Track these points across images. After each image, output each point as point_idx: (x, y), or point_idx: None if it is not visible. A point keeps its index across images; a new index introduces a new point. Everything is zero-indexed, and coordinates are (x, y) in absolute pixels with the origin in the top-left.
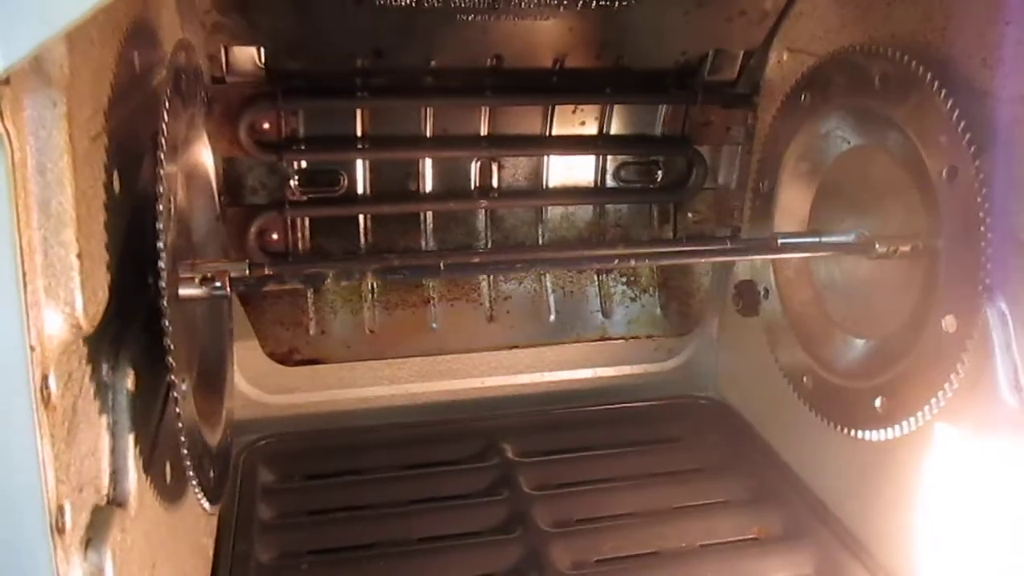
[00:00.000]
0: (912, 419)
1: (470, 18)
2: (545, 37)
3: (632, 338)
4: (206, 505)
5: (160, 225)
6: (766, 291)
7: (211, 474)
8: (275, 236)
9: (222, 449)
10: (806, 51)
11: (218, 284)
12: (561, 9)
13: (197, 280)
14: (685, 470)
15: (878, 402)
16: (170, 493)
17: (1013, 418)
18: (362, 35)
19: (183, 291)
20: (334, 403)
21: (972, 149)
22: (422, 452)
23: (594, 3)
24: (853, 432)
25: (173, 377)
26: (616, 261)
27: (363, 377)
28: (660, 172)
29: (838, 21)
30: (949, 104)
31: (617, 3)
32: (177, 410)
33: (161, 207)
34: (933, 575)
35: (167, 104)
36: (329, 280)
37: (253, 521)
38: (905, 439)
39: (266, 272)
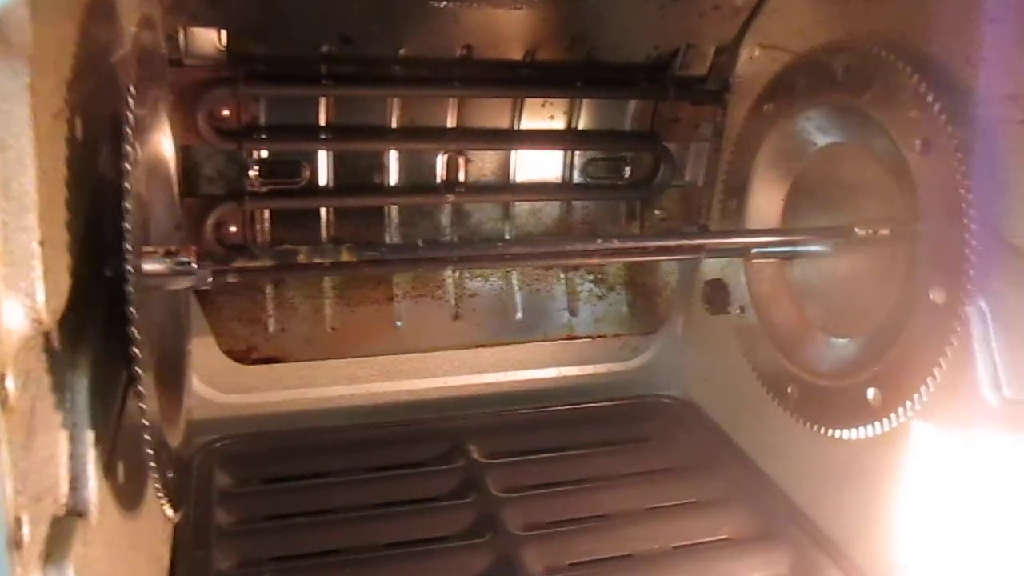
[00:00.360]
0: (909, 402)
1: (442, 5)
2: (517, 27)
3: (599, 337)
4: (169, 512)
5: (127, 204)
6: (742, 308)
7: (174, 478)
8: (233, 228)
9: (181, 452)
10: (779, 47)
11: (184, 259)
12: None
13: (161, 253)
14: (655, 470)
15: (871, 394)
16: (130, 499)
17: (993, 416)
18: (329, 20)
19: (147, 265)
20: (293, 403)
21: (945, 119)
22: (386, 454)
23: None
24: (846, 432)
25: (137, 369)
26: (594, 256)
27: (324, 376)
28: (628, 168)
29: (813, 18)
30: (916, 78)
31: None
32: (141, 406)
33: (128, 185)
34: (908, 575)
35: (134, 83)
36: (301, 257)
37: (210, 527)
38: (881, 438)
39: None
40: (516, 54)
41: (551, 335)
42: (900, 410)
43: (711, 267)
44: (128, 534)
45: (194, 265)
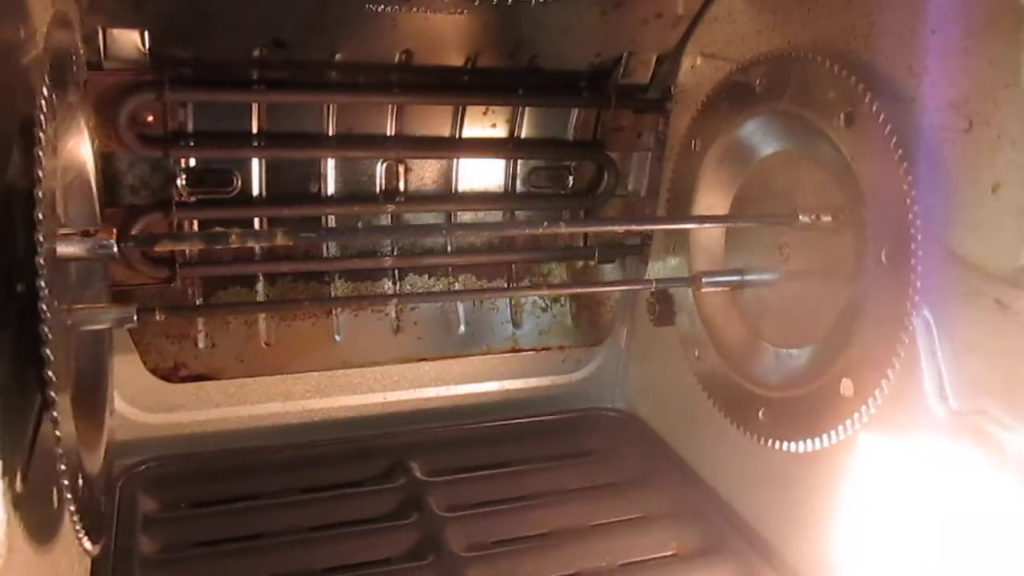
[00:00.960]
0: (890, 371)
1: (380, 9)
2: (458, 33)
3: (543, 349)
4: (88, 545)
5: (39, 214)
6: (698, 354)
7: (93, 506)
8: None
9: (102, 478)
10: (720, 56)
11: (105, 242)
12: (476, 3)
13: (78, 234)
14: (599, 485)
15: (844, 385)
16: (43, 533)
17: (938, 427)
18: (260, 23)
19: (62, 248)
20: (224, 422)
21: (867, 95)
22: (322, 474)
23: None
24: (829, 435)
25: (52, 393)
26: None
27: (255, 393)
28: (571, 178)
29: (754, 27)
30: (827, 63)
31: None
32: (57, 433)
33: (40, 193)
34: None
35: (47, 85)
36: (233, 239)
37: (133, 556)
38: (827, 450)
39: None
40: (457, 60)
41: (494, 348)
42: (876, 393)
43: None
44: (43, 570)
45: (114, 247)
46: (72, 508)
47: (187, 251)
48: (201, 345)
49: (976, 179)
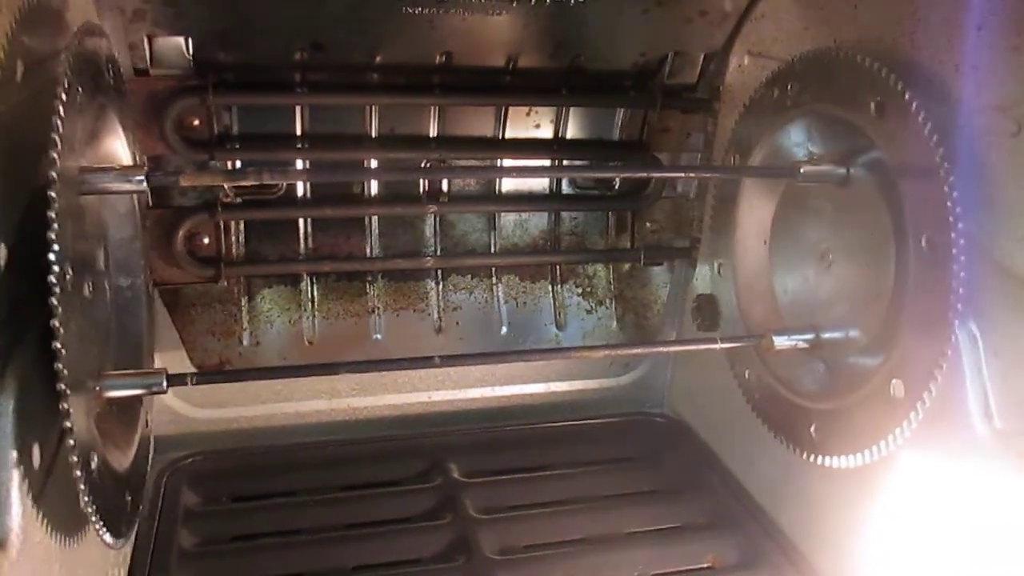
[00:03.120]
0: (938, 372)
1: (417, 11)
2: (497, 34)
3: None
4: (108, 538)
5: (51, 213)
6: (747, 374)
7: (117, 502)
8: (206, 240)
9: (134, 472)
10: (767, 55)
11: (137, 178)
12: (514, 4)
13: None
14: (639, 492)
15: (894, 387)
16: (67, 526)
17: (983, 448)
18: (299, 27)
19: (92, 181)
20: (268, 418)
21: (905, 93)
22: (361, 472)
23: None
24: (879, 446)
25: (63, 386)
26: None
27: (300, 390)
28: (618, 179)
29: (800, 24)
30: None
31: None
32: (67, 424)
33: (54, 193)
34: None
35: (64, 88)
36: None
37: (172, 549)
38: (871, 467)
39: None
40: (497, 61)
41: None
42: (925, 396)
43: (703, 282)
44: (65, 562)
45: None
46: (86, 499)
47: (233, 251)
48: (246, 343)
49: None
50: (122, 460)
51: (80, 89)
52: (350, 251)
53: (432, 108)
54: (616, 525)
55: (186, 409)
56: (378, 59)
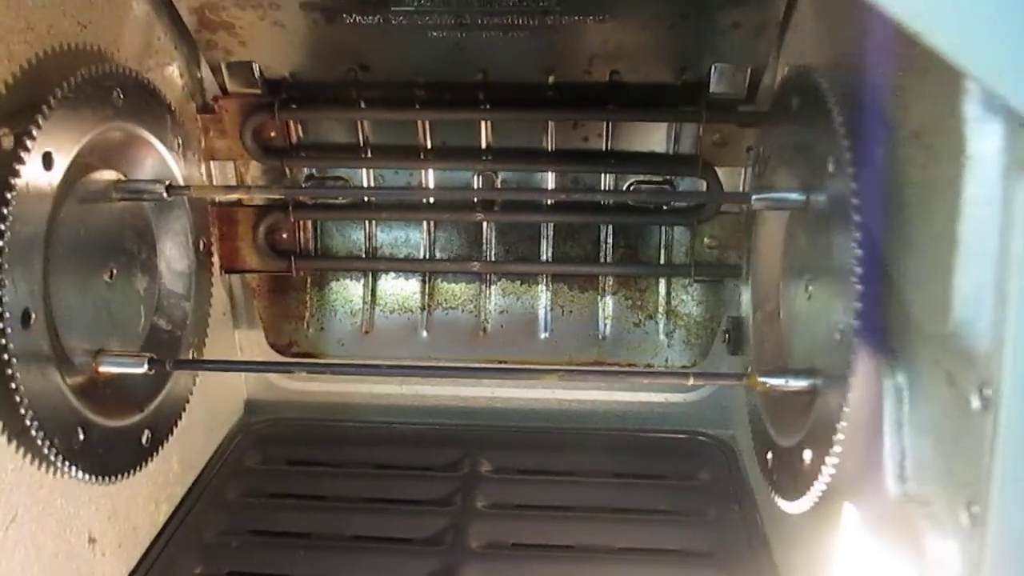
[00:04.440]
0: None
1: (442, 34)
2: (524, 51)
3: (628, 366)
4: (77, 474)
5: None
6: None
7: (81, 441)
8: (284, 236)
9: (136, 428)
10: (805, 65)
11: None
12: (531, 22)
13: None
14: (651, 510)
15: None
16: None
17: (893, 509)
18: (343, 50)
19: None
20: (342, 395)
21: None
22: (400, 453)
23: (554, 19)
24: (810, 490)
25: None
26: None
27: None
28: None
29: (828, 34)
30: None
31: (586, 18)
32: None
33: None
34: None
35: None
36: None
37: (218, 498)
38: (813, 514)
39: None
40: (535, 77)
41: (576, 359)
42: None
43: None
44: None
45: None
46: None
47: (307, 246)
48: (311, 328)
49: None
50: (119, 420)
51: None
52: (408, 252)
53: (481, 122)
54: (610, 539)
55: (278, 379)
56: (421, 78)
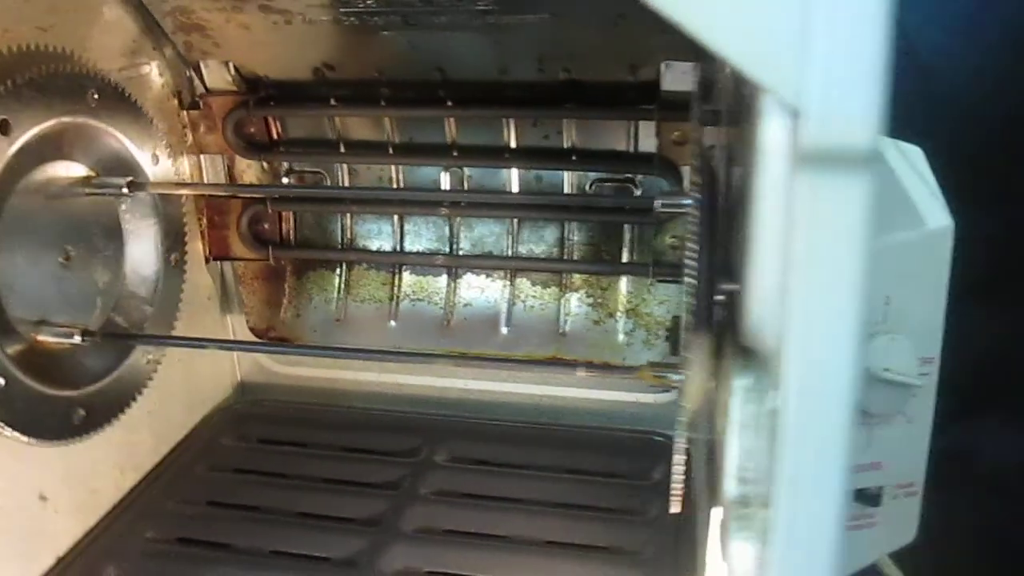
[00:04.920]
0: None
1: (393, 34)
2: (476, 50)
3: (586, 363)
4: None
5: None
6: None
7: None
8: (266, 226)
9: (56, 399)
10: None
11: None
12: (475, 22)
13: None
14: (595, 507)
15: None
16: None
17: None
18: (307, 50)
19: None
20: (326, 380)
21: None
22: (367, 438)
23: (494, 18)
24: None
25: None
26: None
27: (354, 362)
28: (638, 192)
29: None
30: None
31: (525, 17)
32: None
33: None
34: None
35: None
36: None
37: (185, 471)
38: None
39: None
40: (490, 75)
41: (535, 355)
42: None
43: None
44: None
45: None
46: None
47: (287, 236)
48: (288, 314)
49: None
50: (48, 389)
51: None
52: (379, 245)
53: (445, 119)
54: (544, 532)
55: (268, 363)
56: (384, 77)
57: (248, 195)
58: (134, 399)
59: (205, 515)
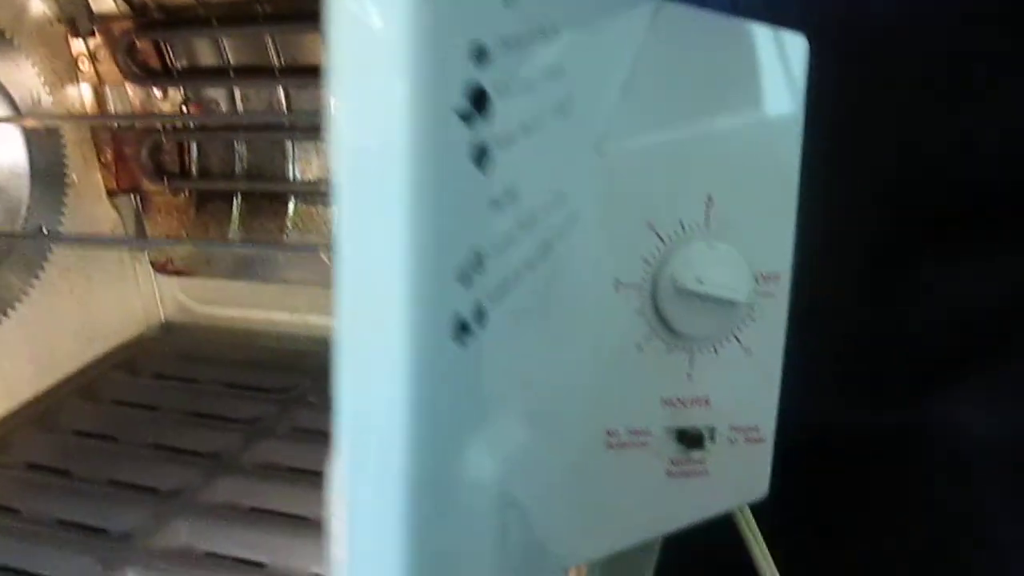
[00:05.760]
0: None
1: None
2: None
3: None
4: None
5: None
6: None
7: None
8: (166, 157)
9: None
10: None
11: None
12: None
13: None
14: None
15: None
16: None
17: None
18: None
19: None
20: (239, 320)
21: None
22: (256, 376)
23: None
24: None
25: None
26: None
27: (279, 302)
28: None
29: None
30: None
31: None
32: None
33: None
34: None
35: None
36: None
37: (57, 397)
38: None
39: None
40: None
41: None
42: None
43: None
44: None
45: None
46: None
47: (188, 167)
48: (185, 247)
49: None
50: None
51: None
52: (273, 173)
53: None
54: None
55: (187, 302)
56: None
57: (126, 123)
58: None
59: (61, 442)
